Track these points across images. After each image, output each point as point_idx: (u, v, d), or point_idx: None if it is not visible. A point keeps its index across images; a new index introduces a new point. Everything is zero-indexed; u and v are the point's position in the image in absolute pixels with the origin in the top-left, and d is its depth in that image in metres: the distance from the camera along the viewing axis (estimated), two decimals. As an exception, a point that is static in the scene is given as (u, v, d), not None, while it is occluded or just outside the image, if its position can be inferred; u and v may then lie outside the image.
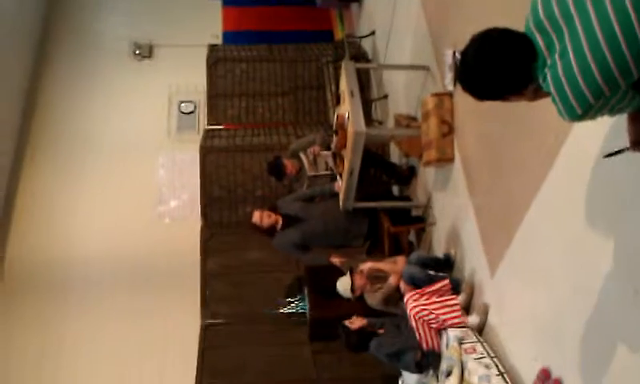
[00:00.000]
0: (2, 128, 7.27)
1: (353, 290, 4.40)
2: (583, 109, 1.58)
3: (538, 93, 1.70)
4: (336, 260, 4.75)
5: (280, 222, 4.79)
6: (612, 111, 1.65)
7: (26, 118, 7.68)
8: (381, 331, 4.20)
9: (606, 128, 2.49)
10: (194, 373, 5.31)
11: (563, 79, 1.57)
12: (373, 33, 6.80)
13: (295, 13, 8.30)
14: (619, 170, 2.49)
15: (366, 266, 4.48)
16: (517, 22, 1.77)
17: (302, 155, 5.28)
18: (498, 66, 1.65)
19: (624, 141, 1.91)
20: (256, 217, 4.72)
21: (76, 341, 6.32)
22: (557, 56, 1.59)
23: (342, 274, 4.58)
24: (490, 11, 3.59)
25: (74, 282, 6.63)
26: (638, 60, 1.47)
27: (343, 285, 4.45)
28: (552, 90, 1.61)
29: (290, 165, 5.19)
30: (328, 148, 5.20)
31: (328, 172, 5.21)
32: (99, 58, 8.16)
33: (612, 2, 1.45)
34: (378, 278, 4.45)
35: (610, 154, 2.03)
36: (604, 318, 2.62)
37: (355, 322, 4.25)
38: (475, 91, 1.74)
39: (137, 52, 8.29)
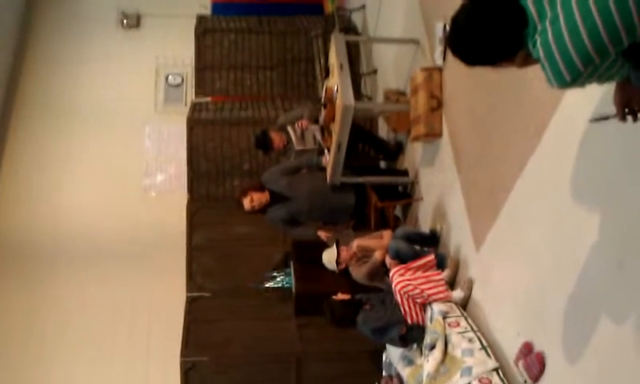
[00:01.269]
0: (-15, 97, 7.15)
1: (338, 262, 4.40)
2: (572, 76, 1.58)
3: (528, 59, 1.69)
4: (323, 234, 4.74)
5: (267, 199, 4.76)
6: (601, 79, 1.65)
7: (11, 88, 7.55)
8: (366, 307, 4.20)
9: (594, 104, 2.48)
10: (180, 345, 5.30)
11: (553, 45, 1.56)
12: (363, 6, 6.73)
13: (285, -15, 8.18)
14: (605, 146, 2.48)
15: (354, 244, 4.47)
16: None
17: (289, 129, 5.24)
18: (489, 31, 1.64)
19: (611, 109, 1.90)
20: (247, 204, 4.70)
21: (62, 313, 6.29)
22: (547, 22, 1.58)
23: (328, 248, 4.57)
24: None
25: (60, 253, 6.57)
26: (630, 28, 1.46)
27: (329, 257, 4.46)
28: (541, 56, 1.60)
29: (277, 138, 5.15)
30: (316, 122, 5.16)
31: (316, 146, 5.17)
32: (85, 28, 8.01)
33: None
34: (364, 256, 4.45)
35: (597, 119, 2.03)
36: (587, 292, 2.63)
37: (339, 297, 4.25)
38: (466, 56, 1.74)
39: (124, 21, 8.14)
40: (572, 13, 1.51)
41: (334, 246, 4.45)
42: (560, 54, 1.56)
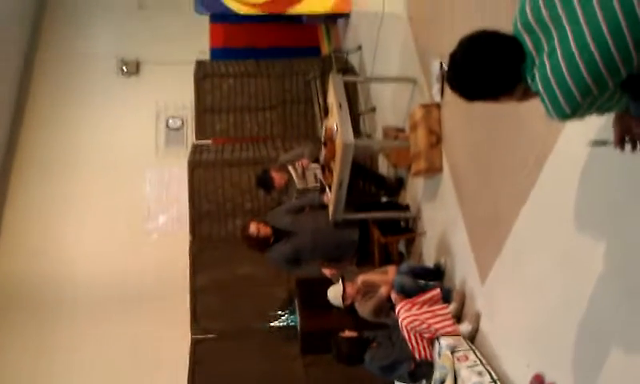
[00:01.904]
0: (-12, 146, 7.22)
1: (344, 298, 4.38)
2: (572, 108, 1.60)
3: (527, 93, 1.72)
4: (327, 271, 4.75)
5: (272, 235, 4.78)
6: (600, 110, 1.68)
7: (13, 136, 7.62)
8: (374, 344, 4.18)
9: (594, 134, 2.53)
10: (185, 389, 5.26)
11: (551, 78, 1.59)
12: (359, 47, 6.87)
13: (282, 30, 8.34)
14: (607, 175, 2.52)
15: (359, 279, 4.47)
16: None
17: (290, 168, 5.30)
18: (487, 66, 1.68)
19: (611, 136, 1.94)
20: (253, 228, 4.70)
21: (66, 358, 6.24)
22: (545, 56, 1.61)
23: (333, 285, 4.57)
24: (477, 24, 3.65)
25: (63, 299, 6.55)
26: (627, 59, 1.50)
27: (335, 293, 4.44)
28: (540, 89, 1.63)
29: (277, 177, 5.21)
30: (316, 161, 5.22)
31: (317, 185, 5.22)
32: (86, 75, 8.13)
33: (600, 2, 1.48)
34: (369, 291, 4.45)
35: (596, 143, 2.06)
36: (596, 321, 2.63)
37: (347, 335, 4.24)
38: (465, 92, 1.76)
39: (124, 68, 8.28)
40: (569, 45, 1.54)
41: (340, 281, 4.45)
42: (558, 87, 1.58)
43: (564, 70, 1.56)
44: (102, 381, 6.09)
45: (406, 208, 5.23)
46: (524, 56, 1.66)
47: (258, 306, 5.69)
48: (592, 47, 1.50)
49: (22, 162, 7.48)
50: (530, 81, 1.67)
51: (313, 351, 5.13)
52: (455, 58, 1.74)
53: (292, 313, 5.45)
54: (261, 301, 5.74)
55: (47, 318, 6.42)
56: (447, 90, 4.39)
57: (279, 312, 5.57)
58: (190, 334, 5.75)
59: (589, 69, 1.52)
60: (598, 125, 2.45)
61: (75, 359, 6.22)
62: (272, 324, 5.54)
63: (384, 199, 5.65)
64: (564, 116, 1.64)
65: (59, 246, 6.89)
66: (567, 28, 1.55)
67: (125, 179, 7.41)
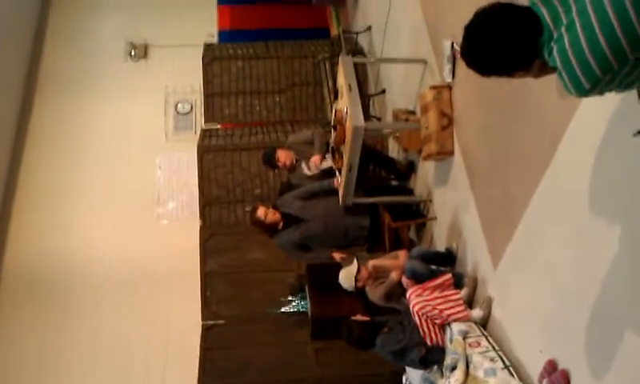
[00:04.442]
0: (-2, 132, 7.23)
1: (357, 279, 4.32)
2: (591, 83, 1.54)
3: (544, 69, 1.66)
4: (337, 255, 4.70)
5: (281, 220, 4.73)
6: (620, 86, 1.60)
7: (23, 123, 7.64)
8: (385, 330, 4.14)
9: (609, 113, 2.45)
10: (196, 374, 5.26)
11: (570, 52, 1.53)
12: (369, 28, 6.76)
13: (291, 11, 8.26)
14: (622, 155, 2.45)
15: (370, 264, 4.42)
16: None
17: (303, 165, 5.20)
18: (503, 39, 1.61)
19: (629, 124, 1.87)
20: (261, 212, 4.66)
21: (76, 345, 6.29)
22: (563, 29, 1.55)
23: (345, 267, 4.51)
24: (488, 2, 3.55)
25: (73, 285, 6.59)
26: None
27: (347, 274, 4.36)
28: (558, 63, 1.57)
29: (283, 156, 5.12)
30: (327, 148, 5.13)
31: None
32: (94, 60, 8.11)
33: None
34: (380, 276, 4.40)
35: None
36: (610, 306, 2.58)
37: (359, 318, 4.20)
38: (479, 66, 1.70)
39: (132, 53, 8.24)
40: (588, 18, 1.48)
41: (355, 261, 4.38)
42: (577, 61, 1.52)
43: (583, 43, 1.50)
44: (112, 366, 6.13)
45: (411, 192, 5.16)
46: (541, 29, 1.59)
47: (268, 291, 5.69)
48: (612, 18, 1.44)
49: (31, 148, 7.50)
50: (547, 55, 1.61)
51: (323, 336, 5.11)
52: (470, 30, 1.68)
53: (302, 298, 5.42)
54: (271, 286, 5.72)
55: (57, 303, 6.47)
56: (459, 70, 4.30)
57: (289, 298, 5.55)
58: (200, 319, 5.74)
59: (609, 41, 1.46)
60: (615, 105, 2.38)
61: (85, 344, 6.27)
62: (282, 309, 5.52)
63: (394, 183, 5.57)
64: (582, 92, 1.58)
65: (69, 231, 6.92)
66: None
67: (134, 164, 7.41)
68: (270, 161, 5.20)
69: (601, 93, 1.61)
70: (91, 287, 6.55)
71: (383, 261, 4.44)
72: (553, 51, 1.58)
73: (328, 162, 5.11)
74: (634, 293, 2.40)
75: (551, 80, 1.74)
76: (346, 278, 4.38)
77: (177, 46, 8.04)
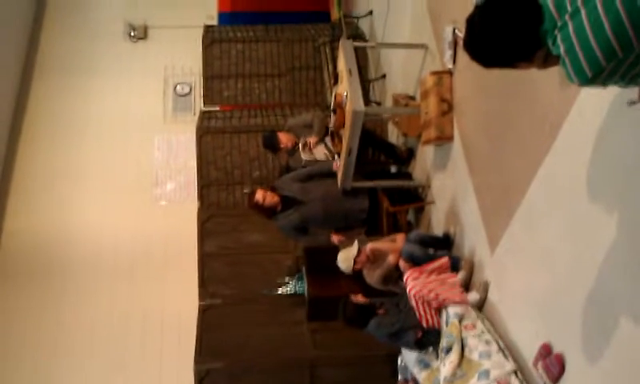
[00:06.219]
0: (-4, 110, 7.20)
1: (355, 261, 4.35)
2: (594, 71, 1.54)
3: (548, 59, 1.66)
4: (335, 238, 4.73)
5: (279, 203, 4.74)
6: (624, 78, 1.60)
7: (20, 102, 7.60)
8: (380, 311, 4.19)
9: (609, 101, 2.48)
10: (193, 353, 5.30)
11: (574, 39, 1.53)
12: (370, 12, 6.75)
13: (291, -6, 8.22)
14: (622, 143, 2.47)
15: (367, 247, 4.45)
16: None
17: (300, 149, 5.21)
18: (506, 30, 1.61)
19: (628, 113, 1.88)
20: (259, 195, 4.67)
21: (74, 323, 6.31)
22: (567, 16, 1.55)
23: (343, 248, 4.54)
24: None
25: (71, 266, 6.60)
26: None
27: (346, 255, 4.40)
28: (562, 51, 1.57)
29: (285, 138, 5.16)
30: (325, 134, 5.14)
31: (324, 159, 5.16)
32: (94, 40, 8.06)
33: None
34: (377, 259, 4.44)
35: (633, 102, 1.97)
36: (607, 292, 2.61)
37: (359, 300, 4.24)
38: (482, 58, 1.70)
39: (131, 33, 8.19)
40: (594, 3, 1.47)
41: (355, 243, 4.41)
42: (581, 48, 1.52)
43: (588, 30, 1.50)
44: (109, 347, 6.17)
45: (410, 177, 5.19)
46: (543, 18, 1.59)
47: (266, 273, 5.72)
48: (618, 4, 1.44)
49: (30, 128, 7.48)
50: (551, 44, 1.61)
51: (320, 318, 5.15)
52: (472, 22, 1.68)
53: (299, 280, 5.46)
54: (268, 268, 5.76)
55: (54, 283, 6.48)
56: (459, 56, 4.31)
57: (286, 279, 5.59)
58: (197, 299, 5.78)
59: (614, 28, 1.46)
60: (615, 92, 2.40)
61: (82, 325, 6.29)
62: (279, 291, 5.56)
63: (393, 169, 5.60)
64: (585, 80, 1.57)
65: (67, 212, 6.92)
66: None
67: (133, 145, 7.40)
68: (272, 144, 5.21)
69: (603, 83, 1.61)
70: (89, 267, 6.57)
71: (381, 244, 4.47)
72: (557, 39, 1.57)
73: (320, 152, 5.12)
74: (631, 278, 2.43)
75: (552, 68, 1.75)
76: (345, 260, 4.41)
77: (176, 27, 8.00)
